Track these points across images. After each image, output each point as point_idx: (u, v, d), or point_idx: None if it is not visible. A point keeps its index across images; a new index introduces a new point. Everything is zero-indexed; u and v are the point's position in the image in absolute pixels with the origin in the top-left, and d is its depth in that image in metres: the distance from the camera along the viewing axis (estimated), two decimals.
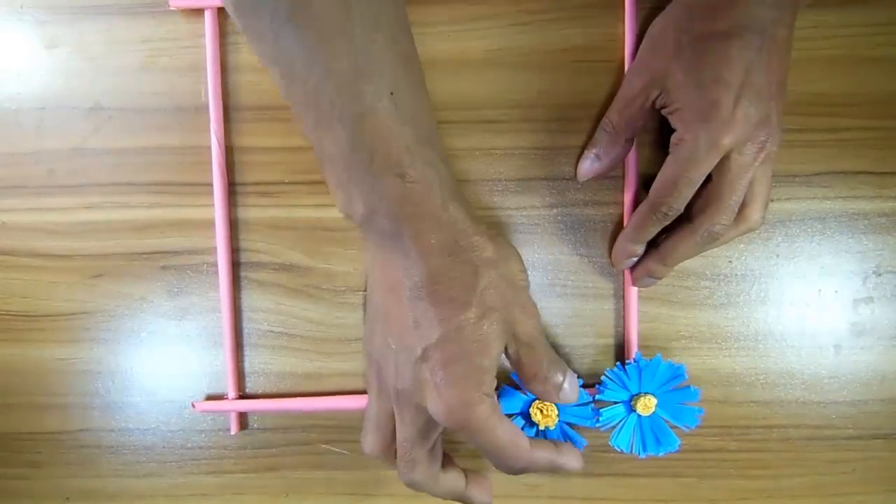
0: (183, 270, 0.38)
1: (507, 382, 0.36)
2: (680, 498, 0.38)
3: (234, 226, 0.38)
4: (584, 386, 0.36)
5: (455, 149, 0.37)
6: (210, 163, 0.37)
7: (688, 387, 0.35)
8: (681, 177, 0.31)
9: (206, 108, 0.37)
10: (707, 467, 0.38)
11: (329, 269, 0.38)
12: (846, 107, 0.36)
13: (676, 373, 0.35)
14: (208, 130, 0.37)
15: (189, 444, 0.39)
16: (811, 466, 0.38)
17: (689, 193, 0.31)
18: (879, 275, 0.37)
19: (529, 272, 0.37)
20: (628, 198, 0.36)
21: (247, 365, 0.38)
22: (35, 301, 0.38)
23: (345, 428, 0.38)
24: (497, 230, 0.29)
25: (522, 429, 0.36)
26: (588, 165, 0.35)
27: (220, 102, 0.37)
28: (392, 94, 0.28)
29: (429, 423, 0.30)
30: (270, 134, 0.37)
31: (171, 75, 0.37)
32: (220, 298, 0.37)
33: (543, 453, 0.31)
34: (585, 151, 0.36)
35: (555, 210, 0.37)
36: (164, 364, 0.39)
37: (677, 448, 0.35)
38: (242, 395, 0.38)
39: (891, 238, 0.37)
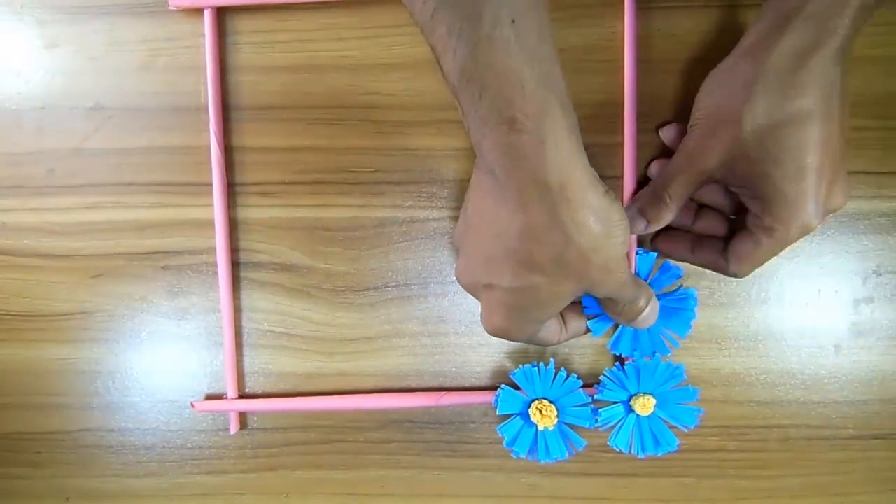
0: (183, 270, 0.38)
1: (507, 382, 0.36)
2: (680, 498, 0.38)
3: (233, 226, 0.38)
4: (583, 386, 0.36)
5: (455, 149, 0.37)
6: (210, 163, 0.37)
7: (686, 387, 0.35)
8: (767, 258, 0.32)
9: (206, 108, 0.37)
10: (707, 467, 0.38)
11: (329, 269, 0.38)
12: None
13: (675, 373, 0.35)
14: (208, 130, 0.37)
15: (189, 444, 0.39)
16: (811, 466, 0.38)
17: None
18: (879, 275, 0.37)
19: None
20: (628, 198, 0.36)
21: (247, 365, 0.38)
22: (35, 301, 0.38)
23: (345, 428, 0.38)
24: (612, 194, 0.27)
25: (521, 429, 0.36)
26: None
27: (220, 102, 0.37)
28: (513, 21, 0.24)
29: (525, 318, 0.31)
30: (270, 134, 0.37)
31: (171, 75, 0.37)
32: (219, 298, 0.37)
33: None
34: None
35: None
36: (163, 364, 0.39)
37: (676, 448, 0.35)
38: (242, 395, 0.38)
39: (891, 238, 0.37)
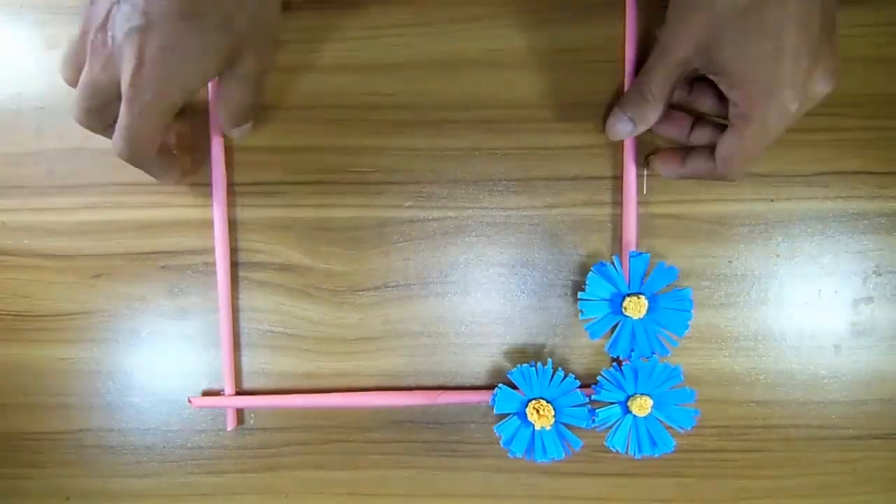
0: (183, 270, 0.38)
1: (504, 382, 0.37)
2: (680, 498, 0.38)
3: (233, 226, 0.38)
4: (581, 387, 0.36)
5: (455, 149, 0.37)
6: (209, 163, 0.37)
7: (684, 388, 0.35)
8: (750, 152, 0.31)
9: (206, 107, 0.37)
10: (707, 467, 0.38)
11: (329, 269, 0.38)
12: (846, 107, 0.36)
13: (672, 374, 0.35)
14: (210, 129, 0.37)
15: (189, 444, 0.39)
16: (811, 466, 0.38)
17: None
18: (879, 275, 0.37)
19: (529, 272, 0.37)
20: (628, 198, 0.36)
21: (246, 365, 0.38)
22: (35, 301, 0.38)
23: (345, 428, 0.38)
24: None
25: (518, 429, 0.36)
26: (623, 128, 0.34)
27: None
28: None
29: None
30: (270, 134, 0.37)
31: None
32: (218, 296, 0.37)
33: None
34: (617, 111, 0.34)
35: (555, 210, 0.37)
36: (164, 364, 0.39)
37: (672, 449, 0.35)
38: (240, 393, 0.38)
39: (891, 238, 0.37)
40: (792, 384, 0.37)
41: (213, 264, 0.38)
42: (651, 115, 0.33)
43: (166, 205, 0.38)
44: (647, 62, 0.32)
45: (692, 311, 0.35)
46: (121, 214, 0.38)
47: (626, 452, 0.36)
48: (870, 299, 0.37)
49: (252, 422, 0.39)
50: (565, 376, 0.36)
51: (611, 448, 0.36)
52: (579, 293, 0.36)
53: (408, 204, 0.37)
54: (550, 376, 0.36)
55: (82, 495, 0.39)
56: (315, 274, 0.38)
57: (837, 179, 0.36)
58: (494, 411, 0.36)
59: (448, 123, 0.37)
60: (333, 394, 0.38)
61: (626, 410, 0.36)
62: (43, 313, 0.38)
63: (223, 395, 0.38)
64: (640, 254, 0.35)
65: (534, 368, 0.36)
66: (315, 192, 0.37)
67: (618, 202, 0.37)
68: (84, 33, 0.30)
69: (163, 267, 0.38)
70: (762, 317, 0.37)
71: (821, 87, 0.29)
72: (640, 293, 0.35)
